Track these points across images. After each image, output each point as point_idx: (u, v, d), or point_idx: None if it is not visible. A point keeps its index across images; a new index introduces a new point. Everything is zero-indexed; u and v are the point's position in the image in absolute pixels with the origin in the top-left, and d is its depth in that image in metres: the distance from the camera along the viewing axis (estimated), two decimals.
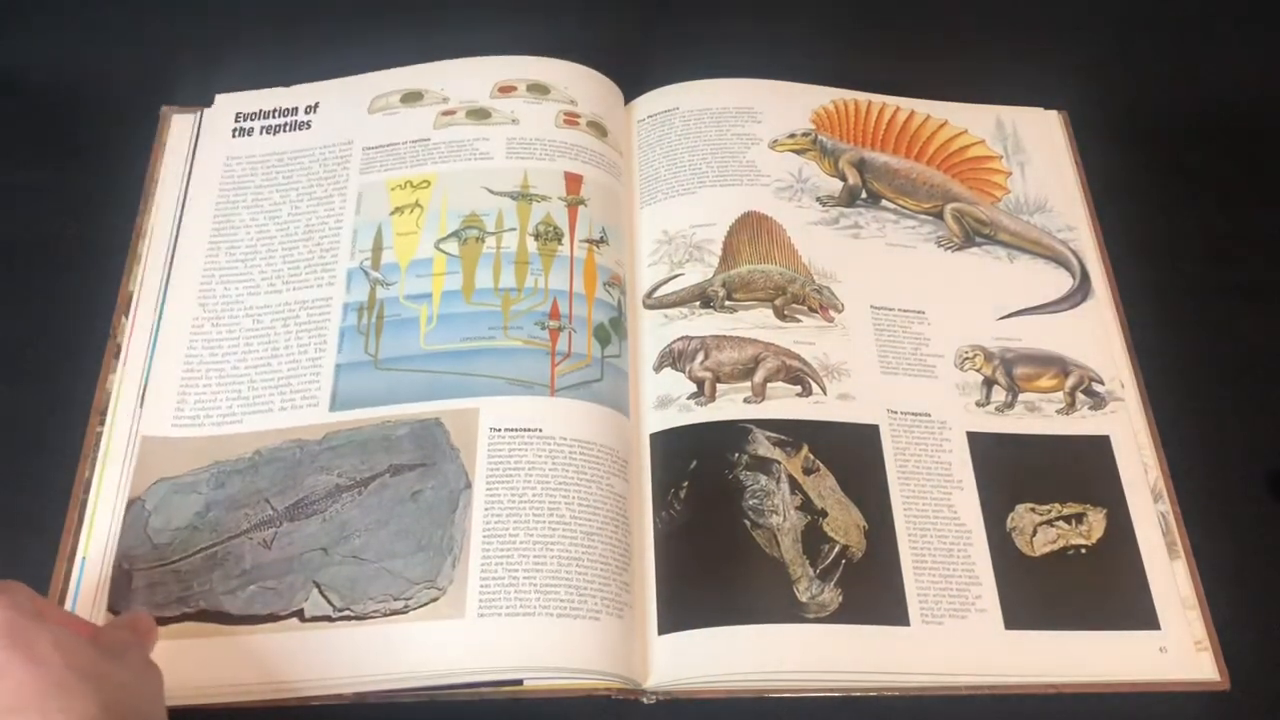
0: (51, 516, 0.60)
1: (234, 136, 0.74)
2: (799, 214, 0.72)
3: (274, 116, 0.74)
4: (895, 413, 0.64)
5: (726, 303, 0.68)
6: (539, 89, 0.73)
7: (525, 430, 0.60)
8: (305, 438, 0.61)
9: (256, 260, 0.68)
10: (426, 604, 0.56)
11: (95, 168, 0.73)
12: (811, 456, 0.62)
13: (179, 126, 0.74)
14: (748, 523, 0.60)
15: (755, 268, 0.69)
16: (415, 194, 0.69)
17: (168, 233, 0.70)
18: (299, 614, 0.56)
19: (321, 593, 0.56)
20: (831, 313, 0.68)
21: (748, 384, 0.64)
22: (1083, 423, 0.65)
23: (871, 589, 0.59)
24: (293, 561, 0.57)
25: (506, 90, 0.73)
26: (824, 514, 0.60)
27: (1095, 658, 0.58)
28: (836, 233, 0.72)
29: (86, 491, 0.60)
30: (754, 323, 0.67)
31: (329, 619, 0.55)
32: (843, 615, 0.57)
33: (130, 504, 0.60)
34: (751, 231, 0.70)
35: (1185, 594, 0.60)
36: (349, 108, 0.74)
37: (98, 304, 0.67)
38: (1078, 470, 0.64)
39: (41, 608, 0.45)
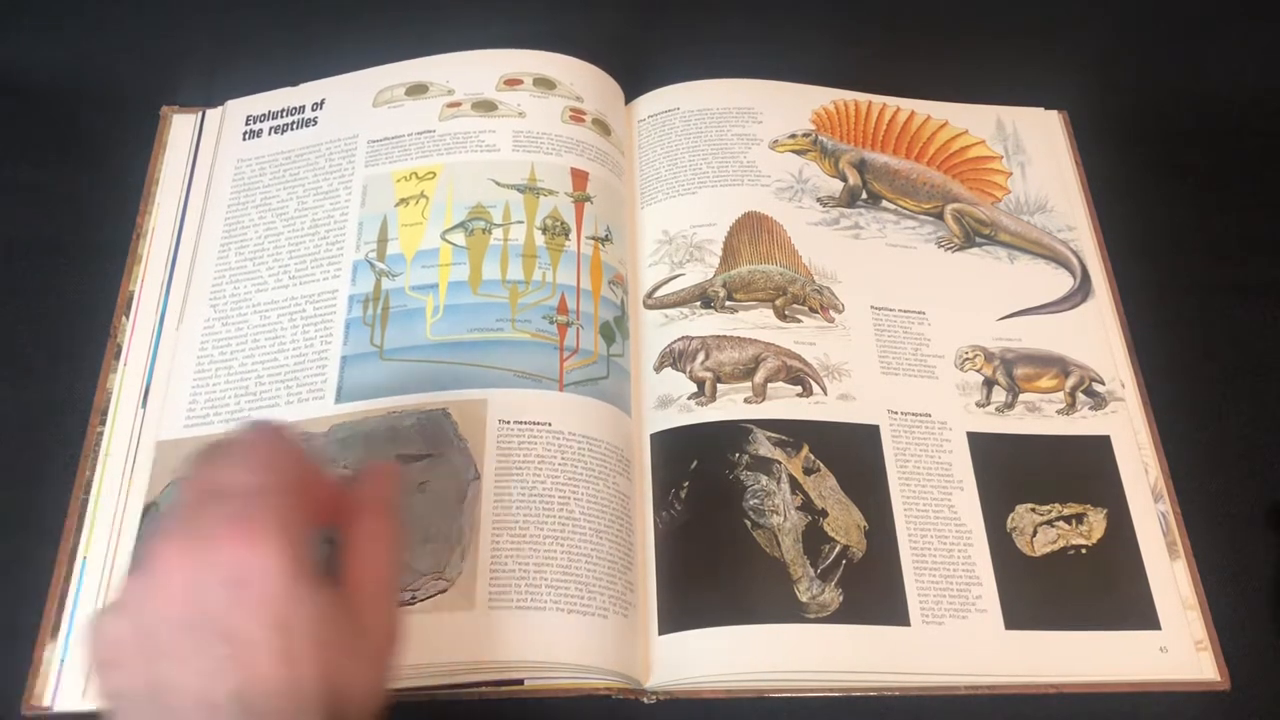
0: (51, 516, 0.60)
1: (244, 140, 0.74)
2: (799, 214, 0.72)
3: (282, 116, 0.74)
4: (895, 413, 0.64)
5: (727, 303, 0.68)
6: (545, 83, 0.73)
7: (535, 424, 0.60)
8: (311, 430, 0.61)
9: (264, 258, 0.68)
10: (434, 595, 0.55)
11: (95, 168, 0.73)
12: (812, 456, 0.62)
13: (180, 127, 0.74)
14: (748, 523, 0.60)
15: (756, 268, 0.69)
16: (420, 185, 0.69)
17: (169, 233, 0.70)
18: None
19: None
20: (832, 313, 0.68)
21: (748, 384, 0.64)
22: (1083, 423, 0.65)
23: (872, 589, 0.59)
24: None
25: (512, 83, 0.73)
26: (824, 514, 0.60)
27: (1095, 658, 0.58)
28: (837, 233, 0.72)
29: (87, 492, 0.60)
30: (754, 323, 0.67)
31: None
32: (843, 615, 0.57)
33: (146, 509, 0.59)
34: (752, 232, 0.70)
35: (1185, 594, 0.60)
36: (354, 102, 0.74)
37: (98, 304, 0.67)
38: (1078, 470, 0.64)
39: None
